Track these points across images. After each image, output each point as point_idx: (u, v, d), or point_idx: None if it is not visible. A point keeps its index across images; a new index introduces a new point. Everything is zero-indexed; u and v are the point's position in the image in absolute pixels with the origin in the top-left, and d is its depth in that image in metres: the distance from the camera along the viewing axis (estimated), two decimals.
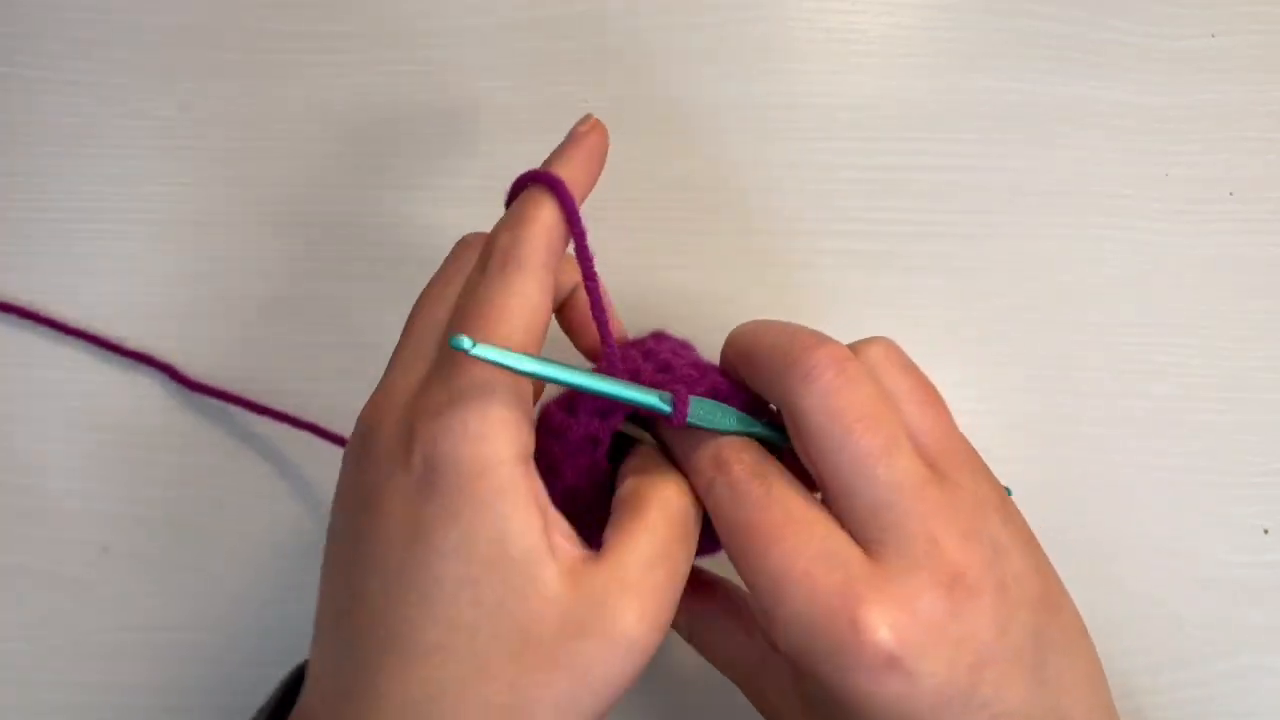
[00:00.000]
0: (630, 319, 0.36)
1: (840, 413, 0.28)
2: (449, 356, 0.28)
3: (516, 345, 0.27)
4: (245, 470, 0.44)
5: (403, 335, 0.31)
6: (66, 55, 0.48)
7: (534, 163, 0.47)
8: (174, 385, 0.45)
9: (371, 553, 0.27)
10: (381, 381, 0.30)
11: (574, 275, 0.34)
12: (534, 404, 0.30)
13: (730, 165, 0.47)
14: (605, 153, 0.32)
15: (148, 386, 0.45)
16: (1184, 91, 0.48)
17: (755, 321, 0.32)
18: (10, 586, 0.43)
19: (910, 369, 0.31)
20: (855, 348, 0.31)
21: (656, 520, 0.28)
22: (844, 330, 0.45)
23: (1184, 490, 0.44)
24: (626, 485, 0.30)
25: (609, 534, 0.28)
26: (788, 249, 0.46)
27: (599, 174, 0.32)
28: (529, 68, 0.48)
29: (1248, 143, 0.48)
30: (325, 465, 0.44)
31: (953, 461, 0.29)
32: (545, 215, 0.30)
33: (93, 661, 0.43)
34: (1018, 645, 0.28)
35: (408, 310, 0.32)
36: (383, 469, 0.28)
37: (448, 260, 0.32)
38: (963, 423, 0.31)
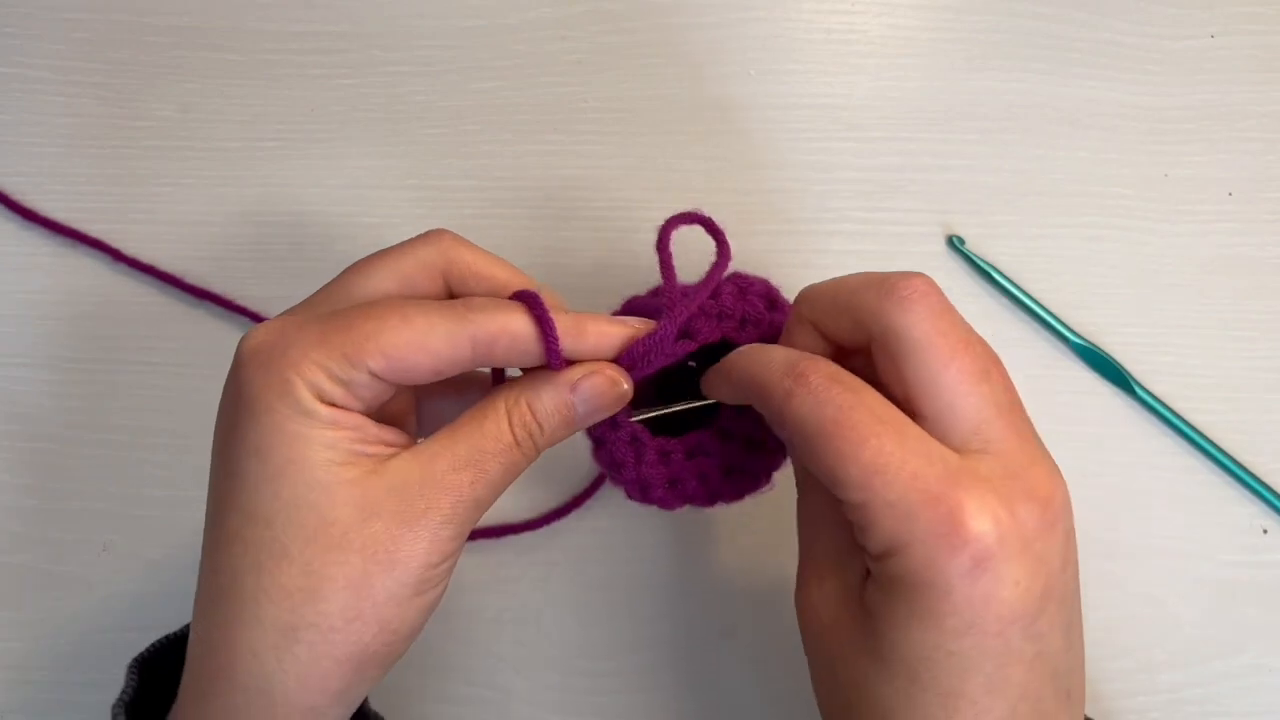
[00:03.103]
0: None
1: (946, 333, 0.28)
2: (340, 314, 0.29)
3: (424, 346, 0.29)
4: None
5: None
6: (67, 55, 0.48)
7: (534, 162, 0.47)
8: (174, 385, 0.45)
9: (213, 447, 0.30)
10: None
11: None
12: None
13: (730, 165, 0.47)
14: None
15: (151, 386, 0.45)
16: (1184, 91, 0.48)
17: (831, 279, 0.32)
18: (10, 586, 0.43)
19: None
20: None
21: (483, 432, 0.30)
22: None
23: (1184, 490, 0.45)
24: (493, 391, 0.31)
25: (444, 427, 0.30)
26: (788, 249, 0.46)
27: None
28: (529, 68, 0.48)
29: (1248, 143, 0.48)
30: None
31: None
32: (514, 319, 0.30)
33: (93, 661, 0.43)
34: (1067, 591, 0.28)
35: None
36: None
37: (415, 240, 0.33)
38: None
